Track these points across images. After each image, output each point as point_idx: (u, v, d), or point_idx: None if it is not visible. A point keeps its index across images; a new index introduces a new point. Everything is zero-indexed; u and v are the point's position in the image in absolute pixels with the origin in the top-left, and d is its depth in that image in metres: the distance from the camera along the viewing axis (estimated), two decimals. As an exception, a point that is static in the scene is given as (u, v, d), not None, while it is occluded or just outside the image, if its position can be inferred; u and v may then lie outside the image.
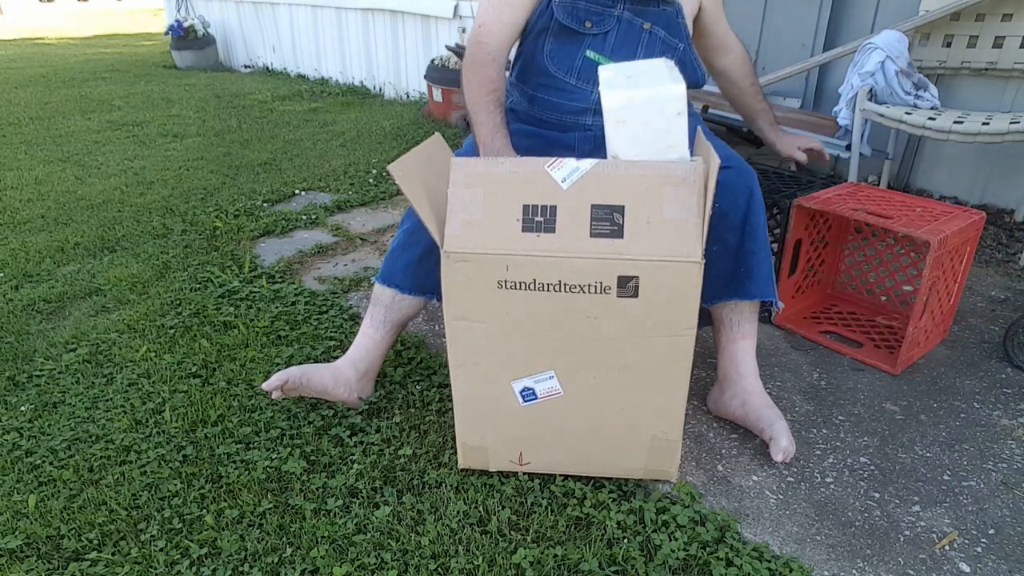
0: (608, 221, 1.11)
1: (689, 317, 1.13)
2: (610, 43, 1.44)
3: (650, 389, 1.20)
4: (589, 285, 1.12)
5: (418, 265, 1.45)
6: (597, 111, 1.48)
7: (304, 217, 2.73)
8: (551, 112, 1.51)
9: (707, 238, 1.39)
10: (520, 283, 1.13)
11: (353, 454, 1.41)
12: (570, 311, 1.15)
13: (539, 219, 1.12)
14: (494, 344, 1.20)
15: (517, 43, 1.56)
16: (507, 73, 1.68)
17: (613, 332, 1.15)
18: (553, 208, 1.12)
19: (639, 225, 1.10)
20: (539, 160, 1.14)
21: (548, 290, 1.13)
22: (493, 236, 1.12)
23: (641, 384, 1.20)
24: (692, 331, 1.14)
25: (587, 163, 1.13)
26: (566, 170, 1.13)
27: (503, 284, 1.14)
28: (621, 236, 1.10)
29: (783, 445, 1.32)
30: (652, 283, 1.10)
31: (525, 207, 1.13)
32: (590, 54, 1.45)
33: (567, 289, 1.12)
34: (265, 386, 1.40)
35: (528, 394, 1.24)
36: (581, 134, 1.51)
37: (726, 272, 1.40)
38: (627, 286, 1.11)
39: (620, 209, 1.11)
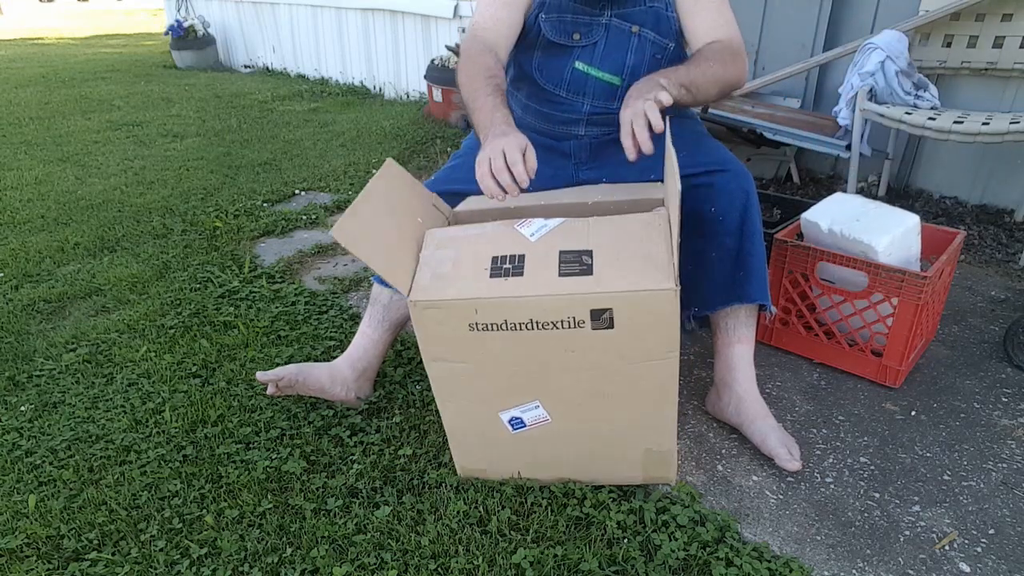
0: (577, 263, 1.10)
1: (670, 341, 1.10)
2: (599, 52, 1.42)
3: (638, 410, 1.20)
4: (561, 321, 1.09)
5: (418, 265, 1.45)
6: (589, 122, 1.48)
7: (304, 217, 2.73)
8: (544, 122, 1.51)
9: (705, 245, 1.39)
10: (491, 324, 1.11)
11: (353, 454, 1.41)
12: (546, 346, 1.13)
13: (507, 266, 1.11)
14: (475, 381, 1.19)
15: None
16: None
17: (593, 362, 1.14)
18: (521, 256, 1.12)
19: (608, 263, 1.09)
20: (508, 222, 1.19)
21: (521, 329, 1.11)
22: (460, 284, 1.11)
23: (628, 406, 1.19)
24: (674, 352, 1.12)
25: (554, 221, 1.17)
26: (534, 227, 1.17)
27: (474, 326, 1.12)
28: (591, 274, 1.08)
29: (784, 457, 1.32)
30: (627, 313, 1.08)
31: (494, 258, 1.13)
32: (579, 65, 1.43)
33: (539, 327, 1.10)
34: (260, 376, 1.41)
35: (517, 423, 1.24)
36: (576, 142, 1.51)
37: (726, 276, 1.39)
38: (601, 318, 1.09)
39: (588, 252, 1.11)
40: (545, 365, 1.15)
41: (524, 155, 1.13)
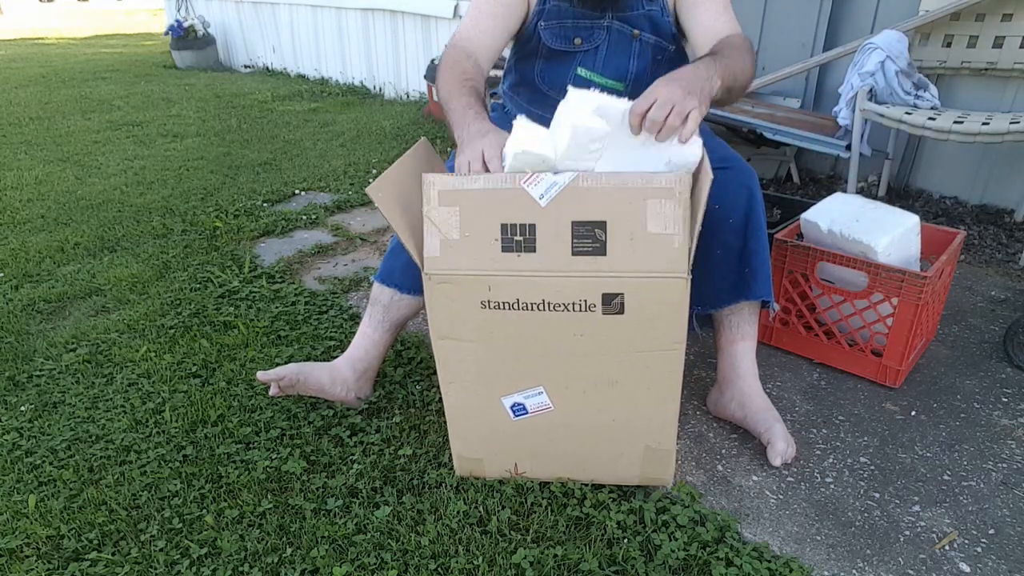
0: (590, 238, 1.07)
1: (677, 332, 1.11)
2: (601, 57, 1.42)
3: (641, 402, 1.20)
4: (573, 303, 1.10)
5: (418, 265, 1.45)
6: None
7: (304, 217, 2.73)
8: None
9: (710, 242, 1.39)
10: (504, 303, 1.12)
11: (353, 454, 1.41)
12: (556, 329, 1.13)
13: (518, 238, 1.08)
14: (481, 362, 1.19)
15: (507, 60, 1.55)
16: (499, 81, 1.66)
17: (600, 348, 1.14)
18: (532, 227, 1.07)
19: (622, 241, 1.06)
20: (514, 176, 1.07)
21: (532, 309, 1.12)
22: (473, 256, 1.10)
23: (631, 397, 1.19)
24: (681, 345, 1.12)
25: (565, 176, 1.06)
26: (543, 186, 1.06)
27: (487, 304, 1.12)
28: (604, 253, 1.07)
29: (779, 449, 1.33)
30: (638, 299, 1.08)
31: (503, 226, 1.08)
32: (581, 72, 1.43)
33: (551, 308, 1.11)
34: (261, 376, 1.41)
35: (519, 409, 1.24)
36: None
37: (731, 274, 1.39)
38: (612, 303, 1.09)
39: (602, 225, 1.06)
40: (552, 348, 1.15)
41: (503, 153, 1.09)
